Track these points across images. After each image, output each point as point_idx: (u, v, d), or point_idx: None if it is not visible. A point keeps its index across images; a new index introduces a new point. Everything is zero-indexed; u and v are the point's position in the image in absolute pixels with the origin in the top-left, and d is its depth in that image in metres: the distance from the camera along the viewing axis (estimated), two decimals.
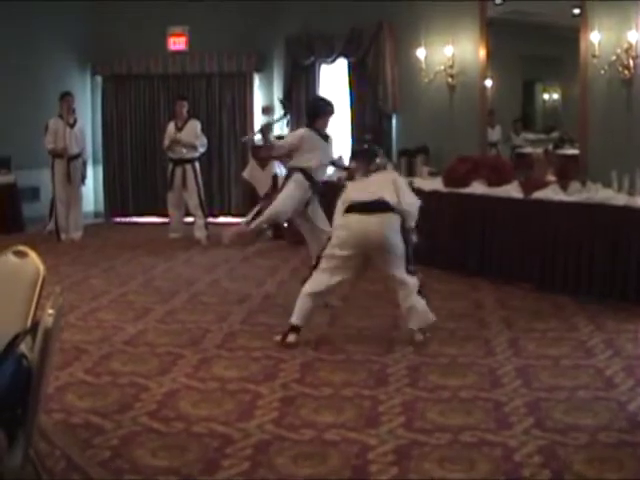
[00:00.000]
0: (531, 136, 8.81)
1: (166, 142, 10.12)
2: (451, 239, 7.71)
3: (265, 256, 9.11)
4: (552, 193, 6.92)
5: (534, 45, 8.56)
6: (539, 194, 7.00)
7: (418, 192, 7.85)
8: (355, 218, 5.33)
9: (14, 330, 2.73)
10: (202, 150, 10.23)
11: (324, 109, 6.51)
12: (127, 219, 12.35)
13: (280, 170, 9.96)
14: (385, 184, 5.44)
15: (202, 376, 4.77)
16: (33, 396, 2.56)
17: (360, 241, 5.29)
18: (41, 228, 10.62)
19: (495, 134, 8.88)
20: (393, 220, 5.33)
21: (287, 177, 6.56)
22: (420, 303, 5.36)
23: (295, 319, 5.37)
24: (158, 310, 6.45)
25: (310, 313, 5.40)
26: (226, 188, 12.24)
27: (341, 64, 10.44)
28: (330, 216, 5.84)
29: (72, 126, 9.99)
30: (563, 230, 6.67)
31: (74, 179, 10.08)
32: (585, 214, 6.53)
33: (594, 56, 7.23)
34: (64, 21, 11.80)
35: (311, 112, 6.56)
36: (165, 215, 10.74)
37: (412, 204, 5.46)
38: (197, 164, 10.14)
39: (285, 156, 6.76)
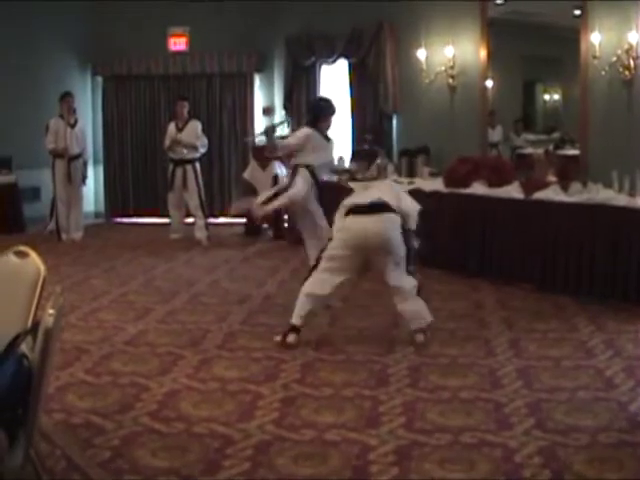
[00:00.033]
0: (532, 137, 8.82)
1: (167, 142, 10.12)
2: (452, 239, 7.71)
3: (265, 256, 9.11)
4: (553, 194, 6.91)
5: (535, 46, 8.57)
6: (540, 195, 7.00)
7: (419, 192, 7.91)
8: (355, 219, 5.33)
9: (15, 330, 2.73)
10: (203, 150, 10.24)
11: (326, 109, 6.54)
12: (128, 219, 12.36)
13: (281, 170, 9.98)
14: (385, 189, 5.50)
15: (203, 376, 4.77)
16: (34, 396, 2.56)
17: (360, 242, 5.29)
18: (42, 228, 10.63)
19: (496, 135, 8.88)
20: (393, 219, 5.33)
21: (293, 173, 6.55)
22: (418, 304, 5.36)
23: (295, 319, 5.37)
24: (159, 310, 6.45)
25: (310, 314, 5.39)
26: (227, 188, 12.25)
27: (342, 64, 10.44)
28: (330, 217, 5.84)
29: (73, 126, 10.00)
30: (564, 230, 6.67)
31: (75, 179, 10.09)
32: (586, 215, 6.52)
33: (595, 57, 7.23)
34: (64, 21, 11.80)
35: (314, 112, 6.58)
36: (166, 215, 10.74)
37: (412, 208, 5.48)
38: (198, 164, 10.14)
39: (288, 155, 6.76)
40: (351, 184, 5.66)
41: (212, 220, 11.03)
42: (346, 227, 5.34)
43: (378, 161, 9.12)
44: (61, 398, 4.35)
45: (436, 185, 8.06)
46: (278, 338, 5.39)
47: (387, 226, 5.30)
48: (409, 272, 5.38)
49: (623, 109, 7.12)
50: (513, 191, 7.30)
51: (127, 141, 12.42)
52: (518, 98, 9.07)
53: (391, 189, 5.54)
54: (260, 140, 8.61)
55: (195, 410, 4.20)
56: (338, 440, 3.78)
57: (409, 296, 5.34)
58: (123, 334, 5.73)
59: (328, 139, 6.57)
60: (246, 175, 10.73)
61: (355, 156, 6.27)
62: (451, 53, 8.73)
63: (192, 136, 10.05)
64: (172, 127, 10.13)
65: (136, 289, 7.34)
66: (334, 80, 10.78)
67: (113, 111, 12.40)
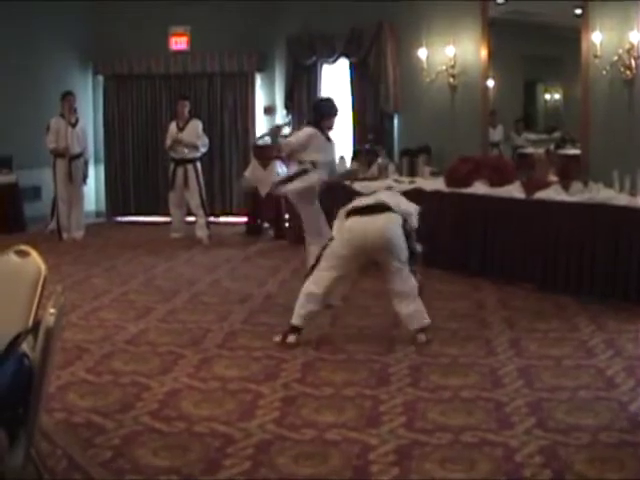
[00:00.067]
0: (533, 136, 8.81)
1: (168, 142, 10.13)
2: (453, 239, 7.71)
3: (266, 256, 9.11)
4: (554, 193, 6.91)
5: (536, 45, 8.56)
6: (541, 194, 6.99)
7: (420, 192, 7.93)
8: (356, 220, 5.35)
9: (16, 329, 2.73)
10: (204, 150, 10.24)
11: (329, 110, 6.55)
12: (128, 218, 12.35)
13: (282, 170, 9.97)
14: (384, 193, 5.60)
15: (203, 376, 4.77)
16: (34, 395, 2.57)
17: (362, 242, 5.29)
18: (43, 227, 10.62)
19: (497, 134, 8.87)
20: (394, 219, 5.34)
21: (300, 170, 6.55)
22: (417, 306, 5.37)
23: (295, 319, 5.37)
24: (159, 309, 6.45)
25: (311, 314, 5.39)
26: (228, 188, 12.25)
27: (342, 64, 10.44)
28: (331, 218, 5.85)
29: (74, 125, 10.00)
30: (565, 230, 6.67)
31: (76, 178, 10.09)
32: (587, 214, 6.52)
33: (596, 56, 7.23)
34: (64, 21, 11.80)
35: (317, 112, 6.59)
36: (166, 215, 10.74)
37: (411, 207, 5.50)
38: (199, 164, 10.15)
39: (289, 155, 6.76)
40: (356, 185, 5.71)
41: (213, 219, 11.04)
42: (347, 228, 5.35)
43: (379, 161, 9.15)
44: (62, 397, 4.35)
45: (437, 185, 8.06)
46: (278, 338, 5.39)
47: (388, 226, 5.31)
48: (410, 271, 5.38)
49: (624, 109, 7.12)
50: (514, 191, 7.29)
51: (128, 140, 12.41)
52: (519, 98, 9.06)
53: (391, 194, 5.64)
54: (264, 140, 8.63)
55: (196, 409, 4.21)
56: (339, 439, 3.78)
57: (409, 297, 5.35)
58: (124, 333, 5.73)
59: (330, 139, 6.59)
60: (247, 174, 10.73)
61: (356, 156, 6.29)
62: (452, 53, 8.72)
63: (193, 135, 10.05)
64: (173, 126, 10.14)
65: (137, 288, 7.34)
66: (335, 80, 10.77)
67: (114, 110, 12.40)
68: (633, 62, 6.94)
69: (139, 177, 12.44)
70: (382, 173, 8.83)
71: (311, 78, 10.94)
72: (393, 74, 9.59)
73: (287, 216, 9.98)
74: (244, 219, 11.05)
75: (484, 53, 8.47)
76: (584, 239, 6.49)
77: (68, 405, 4.25)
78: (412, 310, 5.35)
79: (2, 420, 2.54)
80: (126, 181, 12.47)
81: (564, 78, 8.53)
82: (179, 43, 12.20)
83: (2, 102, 10.74)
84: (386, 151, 9.32)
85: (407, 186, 8.31)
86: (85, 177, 10.36)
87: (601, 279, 6.37)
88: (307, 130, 6.54)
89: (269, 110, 12.03)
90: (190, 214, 10.33)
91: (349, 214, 5.40)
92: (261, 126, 12.04)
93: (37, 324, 2.69)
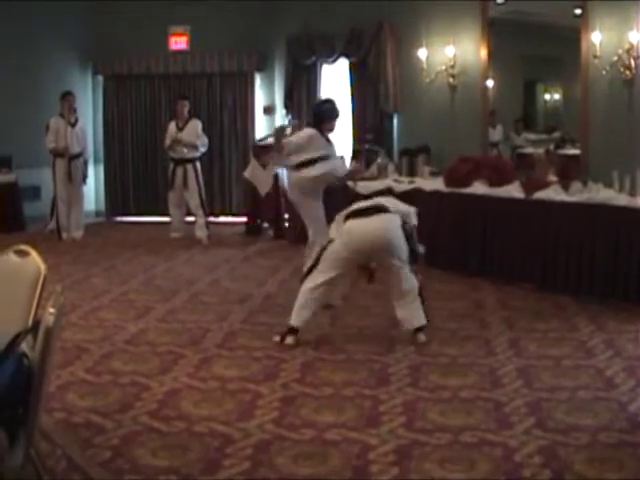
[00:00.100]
0: (532, 136, 8.81)
1: (167, 142, 10.13)
2: (452, 239, 7.71)
3: (266, 256, 9.11)
4: (553, 193, 6.91)
5: (535, 45, 8.56)
6: (540, 194, 7.00)
7: (419, 192, 7.93)
8: (354, 222, 5.34)
9: (15, 329, 2.73)
10: (203, 150, 10.24)
11: (330, 112, 6.57)
12: (128, 218, 12.36)
13: (281, 170, 9.96)
14: (381, 198, 5.62)
15: (203, 375, 4.77)
16: (34, 395, 2.56)
17: (361, 245, 5.29)
18: (42, 227, 10.63)
19: (496, 134, 8.87)
20: (393, 219, 5.35)
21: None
22: (416, 304, 5.36)
23: (293, 320, 5.37)
24: (159, 309, 6.45)
25: (310, 315, 5.38)
26: (227, 188, 12.25)
27: (342, 64, 10.44)
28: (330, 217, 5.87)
29: (73, 125, 10.00)
30: (564, 230, 6.67)
31: (75, 178, 10.09)
32: (586, 214, 6.52)
33: (595, 56, 7.23)
34: (64, 21, 11.80)
35: (318, 115, 6.59)
36: (166, 214, 10.74)
37: (408, 209, 5.51)
38: (198, 164, 10.15)
39: (287, 155, 6.76)
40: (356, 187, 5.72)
41: (212, 219, 11.04)
42: (346, 231, 5.33)
43: (378, 161, 9.16)
44: (61, 397, 4.35)
45: (437, 185, 8.06)
46: (277, 338, 5.39)
47: (387, 226, 5.31)
48: (411, 271, 5.38)
49: (624, 109, 7.12)
50: (514, 191, 7.29)
51: (127, 140, 12.42)
52: (519, 98, 9.06)
53: (388, 198, 5.68)
54: (267, 140, 8.62)
55: (195, 409, 4.21)
56: (338, 439, 3.78)
57: (409, 297, 5.34)
58: (123, 333, 5.73)
59: (330, 142, 6.60)
60: (247, 174, 10.73)
61: (355, 156, 6.29)
62: (452, 53, 8.73)
63: (192, 135, 10.05)
64: (172, 126, 10.14)
65: (136, 288, 7.34)
66: (335, 79, 10.78)
67: (114, 110, 12.40)
68: (633, 62, 6.94)
69: (139, 177, 12.44)
70: (381, 173, 8.83)
71: (311, 78, 10.95)
72: (393, 74, 9.59)
73: (287, 216, 9.99)
74: (243, 219, 11.05)
75: (484, 53, 8.47)
76: (584, 239, 6.49)
77: (67, 405, 4.25)
78: (410, 310, 5.35)
79: (1, 420, 2.53)
80: (126, 181, 12.47)
81: (564, 78, 8.53)
82: (179, 43, 12.20)
83: (2, 102, 10.75)
84: (385, 151, 9.32)
85: (406, 186, 8.33)
86: (85, 177, 10.36)
87: (601, 279, 6.37)
88: (308, 131, 6.55)
89: (269, 110, 12.03)
90: (189, 214, 10.33)
91: (347, 217, 5.40)
92: (261, 126, 12.05)
93: (36, 324, 2.69)
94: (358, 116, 10.16)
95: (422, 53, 9.04)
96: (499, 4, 8.46)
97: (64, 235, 10.07)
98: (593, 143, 7.43)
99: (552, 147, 8.34)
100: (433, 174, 8.49)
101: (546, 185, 7.09)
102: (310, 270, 5.48)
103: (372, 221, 5.30)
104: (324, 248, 5.47)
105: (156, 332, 5.76)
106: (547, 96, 9.08)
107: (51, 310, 2.52)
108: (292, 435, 3.84)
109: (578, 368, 4.81)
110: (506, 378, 4.65)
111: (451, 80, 8.81)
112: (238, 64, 12.00)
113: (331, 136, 6.66)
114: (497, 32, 8.47)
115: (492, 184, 7.54)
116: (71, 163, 9.97)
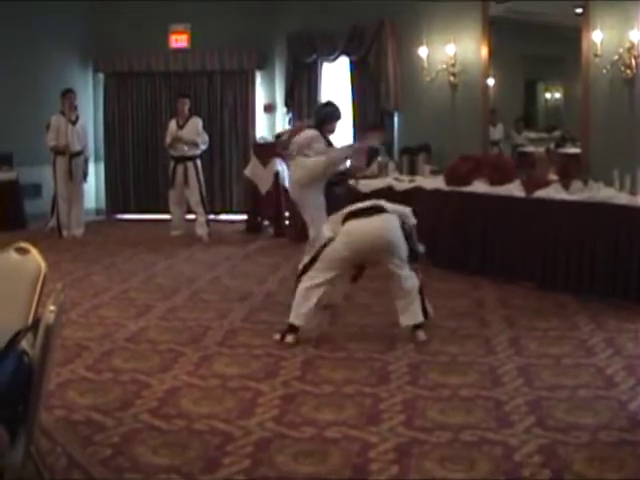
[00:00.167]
0: (533, 135, 8.81)
1: (168, 140, 10.13)
2: (452, 237, 7.71)
3: (266, 254, 9.11)
4: (554, 192, 6.91)
5: (536, 44, 8.55)
6: (541, 193, 7.00)
7: (420, 191, 7.93)
8: (353, 223, 5.34)
9: (15, 327, 2.73)
10: (203, 147, 10.24)
11: (332, 114, 6.56)
12: (128, 216, 12.35)
13: (282, 167, 9.97)
14: (379, 200, 5.58)
15: (203, 373, 4.77)
16: (34, 393, 2.57)
17: (361, 245, 5.29)
18: (43, 225, 10.62)
19: (497, 133, 8.87)
20: (392, 219, 5.35)
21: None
22: (415, 303, 5.37)
23: (293, 318, 5.36)
24: (159, 307, 6.45)
25: (310, 313, 5.37)
26: (227, 185, 12.24)
27: (343, 62, 10.43)
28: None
29: (74, 123, 10.00)
30: (565, 229, 6.67)
31: (76, 176, 10.10)
32: (587, 213, 6.52)
33: (596, 55, 7.22)
34: (65, 21, 11.79)
35: (319, 116, 6.60)
36: (166, 212, 10.74)
37: (404, 208, 5.51)
38: (199, 161, 10.16)
39: (288, 154, 6.77)
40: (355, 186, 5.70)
41: (213, 217, 11.03)
42: (345, 231, 5.32)
43: (379, 159, 9.15)
44: (62, 395, 4.35)
45: (437, 183, 8.06)
46: (277, 336, 5.39)
47: (386, 226, 5.31)
48: (412, 270, 5.39)
49: (624, 108, 7.12)
50: (514, 189, 7.29)
51: (128, 138, 12.41)
52: (519, 96, 9.05)
53: (385, 201, 5.64)
54: (262, 139, 8.63)
55: (195, 407, 4.21)
56: (338, 437, 3.78)
57: (409, 295, 5.35)
58: (124, 331, 5.73)
59: (331, 144, 6.60)
60: (247, 172, 10.73)
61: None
62: (452, 51, 8.72)
63: (193, 133, 10.05)
64: (173, 124, 10.14)
65: (137, 286, 7.34)
66: (335, 78, 10.77)
67: (114, 108, 12.39)
68: (633, 61, 6.94)
69: (139, 175, 12.44)
70: (382, 171, 8.83)
71: (311, 76, 10.94)
72: (393, 72, 9.59)
73: (287, 214, 9.99)
74: (244, 217, 11.05)
75: (485, 52, 8.47)
76: (584, 238, 6.49)
77: (68, 403, 4.25)
78: (409, 307, 5.35)
79: (2, 417, 2.54)
80: (126, 179, 12.46)
81: (564, 77, 8.53)
82: (179, 41, 12.19)
83: (3, 100, 10.75)
84: (386, 149, 9.31)
85: (407, 184, 8.33)
86: (85, 175, 10.36)
87: (601, 278, 6.37)
88: (309, 132, 6.55)
89: (269, 108, 12.03)
90: (190, 212, 10.33)
91: (346, 218, 5.39)
92: (261, 124, 12.05)
93: (37, 322, 2.70)
94: (359, 114, 10.14)
95: (423, 51, 9.04)
96: (500, 3, 8.44)
97: (65, 233, 10.07)
98: (594, 142, 7.42)
99: (553, 146, 8.33)
100: (434, 172, 8.48)
101: (547, 184, 7.09)
102: (306, 268, 5.47)
103: (372, 221, 5.30)
104: (323, 247, 5.46)
105: (156, 330, 5.77)
106: (548, 95, 9.07)
107: (51, 308, 2.53)
108: (292, 433, 3.84)
109: (578, 367, 4.81)
110: (506, 377, 4.65)
111: (452, 79, 8.81)
112: (239, 62, 11.99)
113: (332, 138, 6.66)
114: (498, 31, 8.46)
115: (493, 183, 7.54)
116: (72, 161, 9.98)
